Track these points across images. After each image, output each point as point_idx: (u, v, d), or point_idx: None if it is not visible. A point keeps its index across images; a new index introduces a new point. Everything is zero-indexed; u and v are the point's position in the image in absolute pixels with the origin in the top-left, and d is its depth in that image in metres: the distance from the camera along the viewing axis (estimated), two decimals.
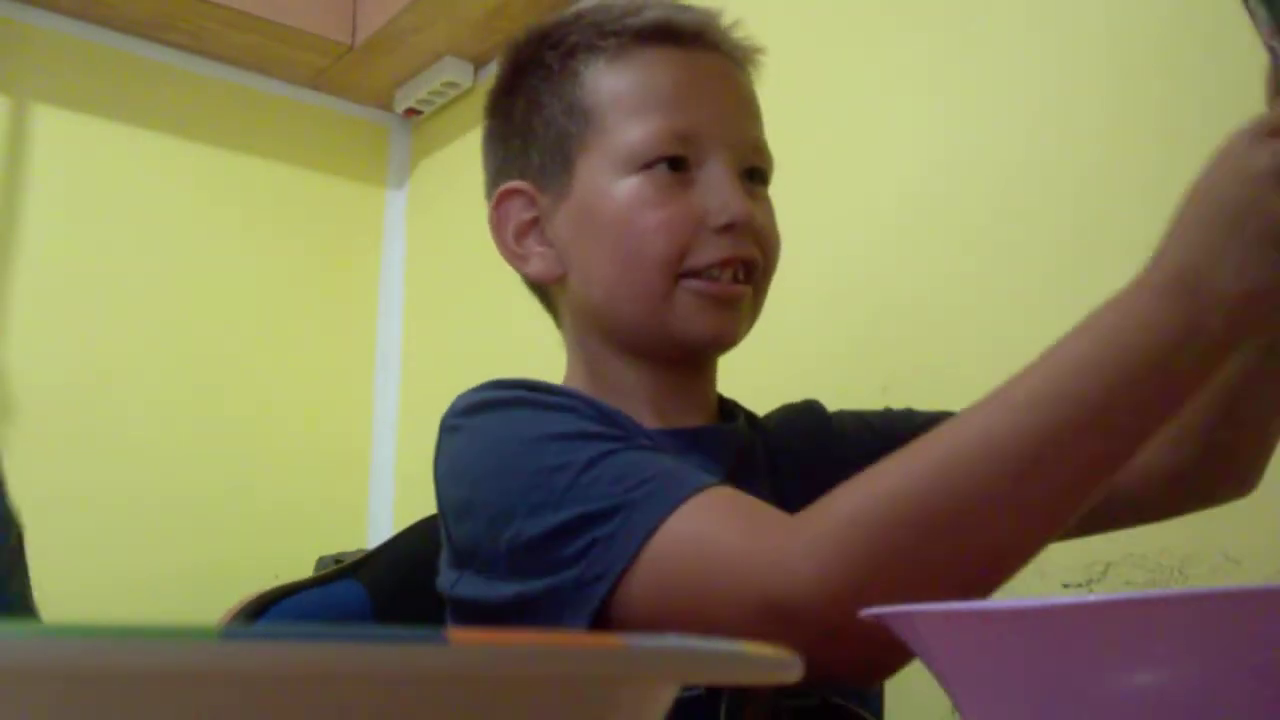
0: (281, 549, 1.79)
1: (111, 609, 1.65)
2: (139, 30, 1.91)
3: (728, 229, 0.71)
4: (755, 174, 0.75)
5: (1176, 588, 0.93)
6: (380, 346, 2.12)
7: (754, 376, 1.31)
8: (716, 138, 0.72)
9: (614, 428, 0.64)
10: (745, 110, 0.77)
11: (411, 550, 0.88)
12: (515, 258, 0.79)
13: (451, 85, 2.01)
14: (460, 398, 0.70)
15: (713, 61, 0.76)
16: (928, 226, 1.22)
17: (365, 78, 2.06)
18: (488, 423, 0.67)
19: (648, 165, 0.71)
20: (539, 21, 0.81)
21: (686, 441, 0.71)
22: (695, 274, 0.71)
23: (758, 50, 0.79)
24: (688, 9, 0.76)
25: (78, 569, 1.64)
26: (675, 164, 0.71)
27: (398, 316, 2.13)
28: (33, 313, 1.74)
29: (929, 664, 0.38)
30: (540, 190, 0.77)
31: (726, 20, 0.78)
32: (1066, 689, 0.33)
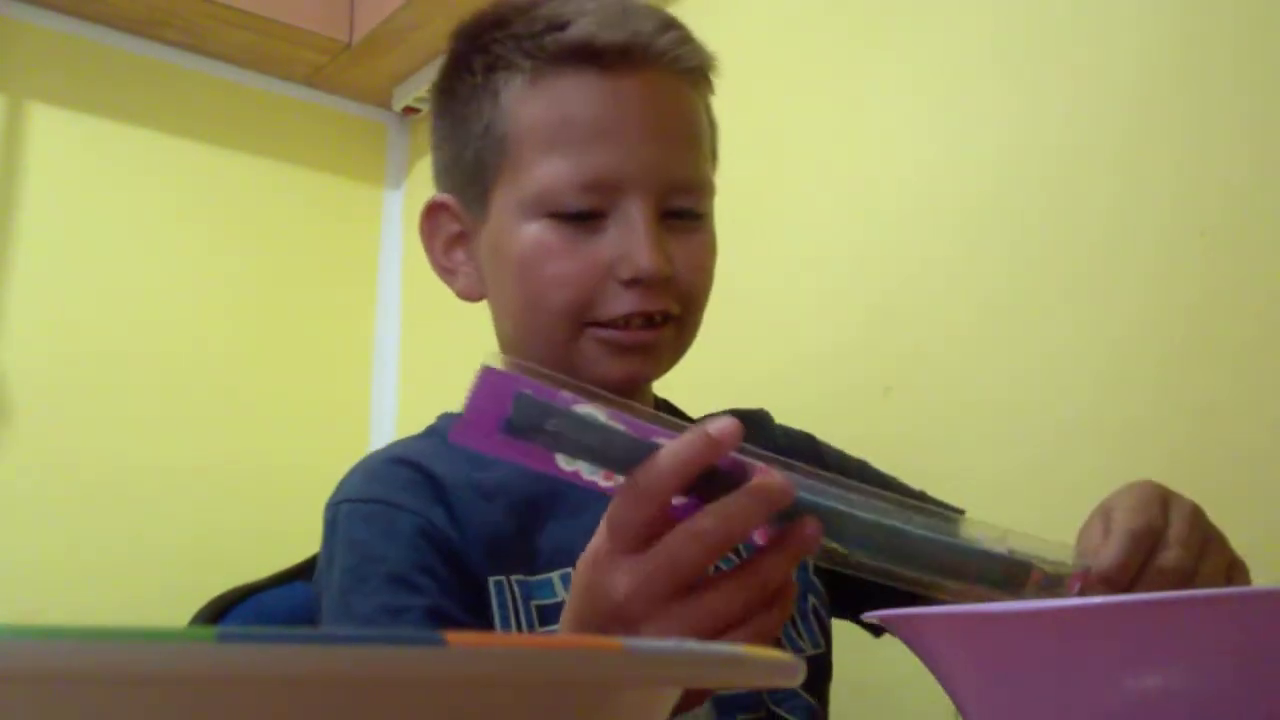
0: (280, 549, 1.78)
1: (110, 609, 1.64)
2: (134, 28, 1.91)
3: (634, 283, 0.67)
4: (683, 213, 0.70)
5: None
6: (378, 345, 2.11)
7: (755, 376, 1.31)
8: (635, 180, 0.67)
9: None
10: (673, 143, 0.70)
11: None
12: (444, 271, 0.77)
13: None
14: (342, 484, 0.74)
15: (638, 87, 0.68)
16: (931, 225, 1.21)
17: (362, 75, 2.06)
18: (333, 545, 0.71)
19: (553, 213, 0.67)
20: (484, 8, 0.74)
21: None
22: (601, 324, 0.68)
23: (704, 63, 0.73)
24: (618, 23, 0.69)
25: (76, 568, 1.64)
26: (584, 215, 0.67)
27: (395, 314, 2.12)
28: (29, 312, 1.73)
29: (932, 666, 0.38)
30: (464, 208, 0.75)
31: (667, 31, 0.70)
32: (1068, 690, 0.33)
